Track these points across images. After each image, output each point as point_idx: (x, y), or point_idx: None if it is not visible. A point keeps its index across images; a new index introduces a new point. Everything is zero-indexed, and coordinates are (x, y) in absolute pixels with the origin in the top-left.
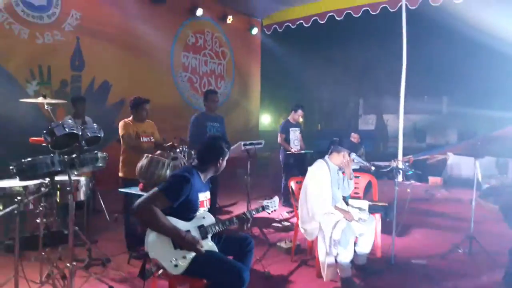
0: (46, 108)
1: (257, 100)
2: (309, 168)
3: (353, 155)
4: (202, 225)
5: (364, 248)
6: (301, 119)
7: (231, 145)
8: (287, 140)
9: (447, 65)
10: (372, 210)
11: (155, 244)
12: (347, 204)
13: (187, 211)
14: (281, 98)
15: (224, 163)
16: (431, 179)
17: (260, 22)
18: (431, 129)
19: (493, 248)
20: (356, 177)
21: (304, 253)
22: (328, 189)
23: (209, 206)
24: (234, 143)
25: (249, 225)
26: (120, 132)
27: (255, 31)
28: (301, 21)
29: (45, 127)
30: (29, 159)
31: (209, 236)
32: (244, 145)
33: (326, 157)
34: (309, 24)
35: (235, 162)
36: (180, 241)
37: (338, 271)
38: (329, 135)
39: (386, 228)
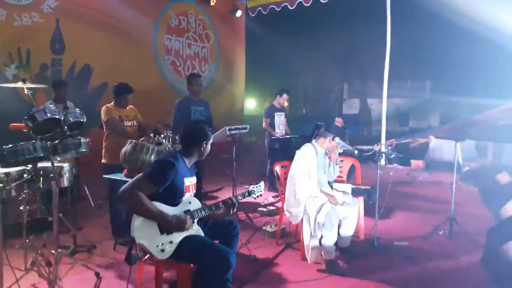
0: (26, 92)
1: (242, 84)
2: (297, 152)
3: (337, 139)
4: (188, 210)
5: (348, 231)
6: (286, 104)
7: (215, 129)
8: (272, 124)
9: (431, 50)
10: (355, 193)
11: (141, 229)
12: (331, 188)
13: (173, 196)
14: (266, 82)
15: (208, 147)
16: (414, 162)
17: (244, 4)
18: (414, 113)
19: (472, 229)
20: (340, 161)
21: (289, 237)
22: (314, 173)
23: (195, 191)
24: (219, 128)
25: (235, 209)
26: (103, 117)
27: (239, 13)
28: (286, 4)
29: (26, 112)
30: (10, 145)
31: (195, 220)
32: (229, 130)
33: (314, 141)
34: (294, 7)
35: (220, 147)
36: (167, 225)
37: (322, 253)
38: (314, 120)
39: (369, 211)
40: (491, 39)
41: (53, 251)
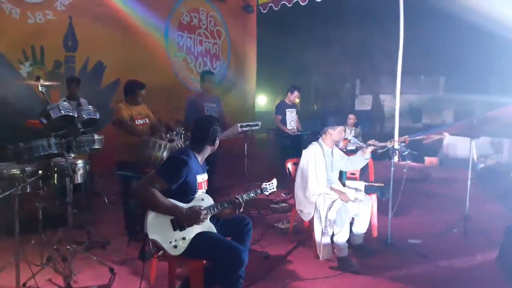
0: (40, 90)
1: (253, 80)
2: (303, 151)
3: (350, 136)
4: (201, 207)
5: (361, 228)
6: (297, 100)
7: (227, 125)
8: (283, 121)
9: (445, 46)
10: (368, 190)
11: (154, 226)
12: (343, 185)
13: (186, 193)
14: (278, 79)
15: (217, 141)
16: (427, 159)
17: (255, 0)
18: (427, 109)
19: (488, 227)
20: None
21: (302, 234)
22: (322, 171)
23: (206, 188)
24: (231, 124)
25: (241, 209)
26: (115, 116)
27: (250, 9)
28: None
29: (40, 110)
30: (26, 142)
31: (208, 217)
32: (241, 126)
33: (320, 139)
34: (306, 3)
35: (232, 143)
36: (182, 217)
37: (335, 251)
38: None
39: (382, 208)
40: (506, 36)
41: (68, 247)
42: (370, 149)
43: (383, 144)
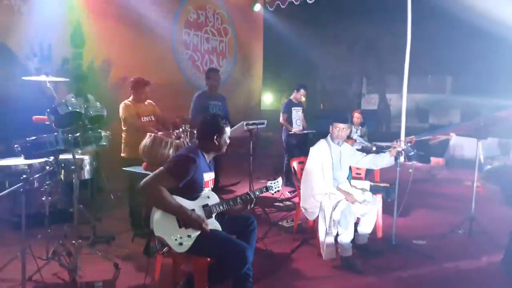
0: (48, 86)
1: (259, 78)
2: (311, 148)
3: (356, 135)
4: (207, 205)
5: (366, 228)
6: (303, 99)
7: (232, 124)
8: (289, 119)
9: (452, 46)
10: (373, 190)
11: (160, 222)
12: (350, 185)
13: (192, 190)
14: (284, 77)
15: (224, 140)
16: (433, 159)
17: None
18: (434, 109)
19: (493, 230)
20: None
21: (305, 233)
22: (329, 169)
23: (213, 186)
24: (236, 122)
25: (252, 205)
26: (122, 114)
27: (257, 7)
28: None
29: (48, 106)
30: (33, 137)
31: (213, 215)
32: (247, 125)
33: (329, 136)
34: (313, 1)
35: (238, 141)
36: (186, 219)
37: (339, 250)
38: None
39: (387, 209)
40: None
41: (73, 242)
42: (400, 148)
43: (389, 144)
